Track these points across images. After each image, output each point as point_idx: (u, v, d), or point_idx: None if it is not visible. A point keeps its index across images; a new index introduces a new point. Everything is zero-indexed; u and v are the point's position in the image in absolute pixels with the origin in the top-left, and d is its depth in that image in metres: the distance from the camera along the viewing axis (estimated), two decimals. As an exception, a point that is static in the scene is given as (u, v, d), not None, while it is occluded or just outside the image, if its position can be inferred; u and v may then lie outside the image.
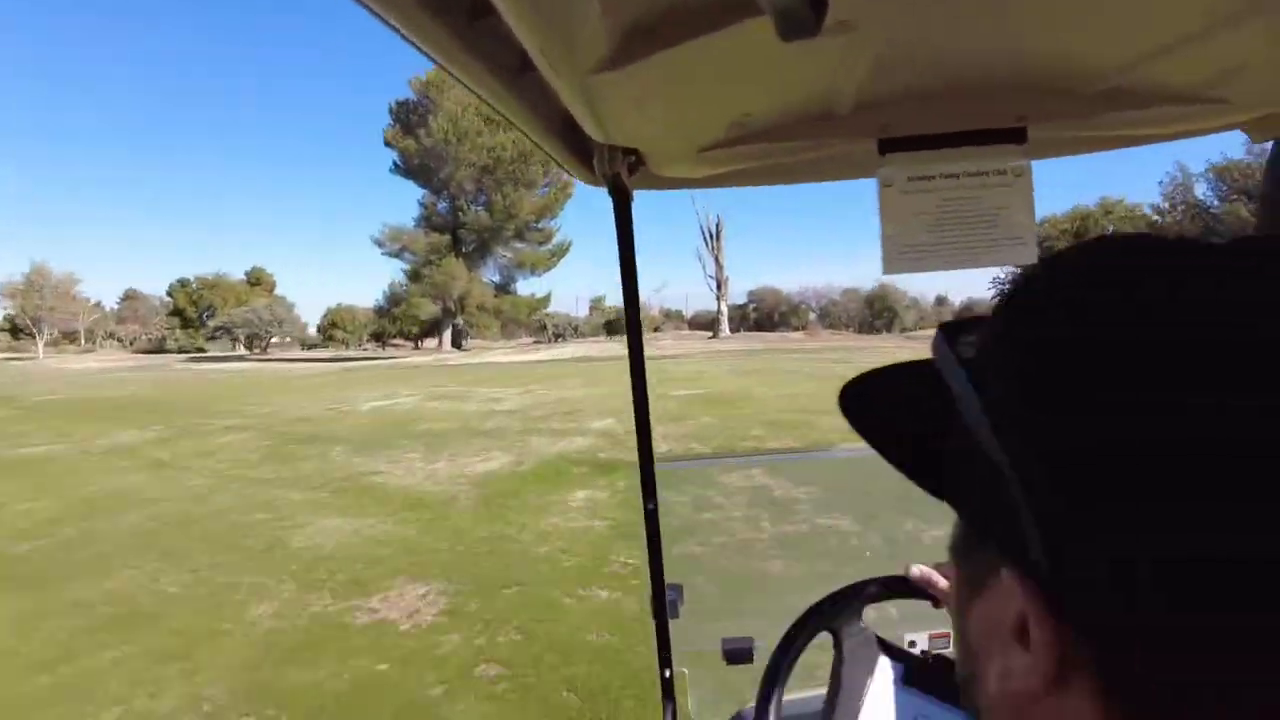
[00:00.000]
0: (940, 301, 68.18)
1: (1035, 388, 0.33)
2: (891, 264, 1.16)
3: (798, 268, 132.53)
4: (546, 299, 54.27)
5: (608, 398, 15.59)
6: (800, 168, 1.29)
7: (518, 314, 51.12)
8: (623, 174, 1.09)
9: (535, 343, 53.42)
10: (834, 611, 1.13)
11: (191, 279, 65.91)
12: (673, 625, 1.41)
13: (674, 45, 0.65)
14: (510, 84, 0.76)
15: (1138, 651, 0.29)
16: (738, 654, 1.34)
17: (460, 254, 46.29)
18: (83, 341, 73.26)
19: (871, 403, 0.50)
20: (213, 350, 56.46)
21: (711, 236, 49.80)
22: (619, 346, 36.45)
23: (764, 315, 64.19)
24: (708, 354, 32.03)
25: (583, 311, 68.53)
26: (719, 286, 49.81)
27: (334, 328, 61.48)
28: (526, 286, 53.35)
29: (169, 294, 67.17)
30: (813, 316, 63.07)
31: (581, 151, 1.07)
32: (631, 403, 1.30)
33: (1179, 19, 0.75)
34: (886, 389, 0.50)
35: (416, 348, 53.47)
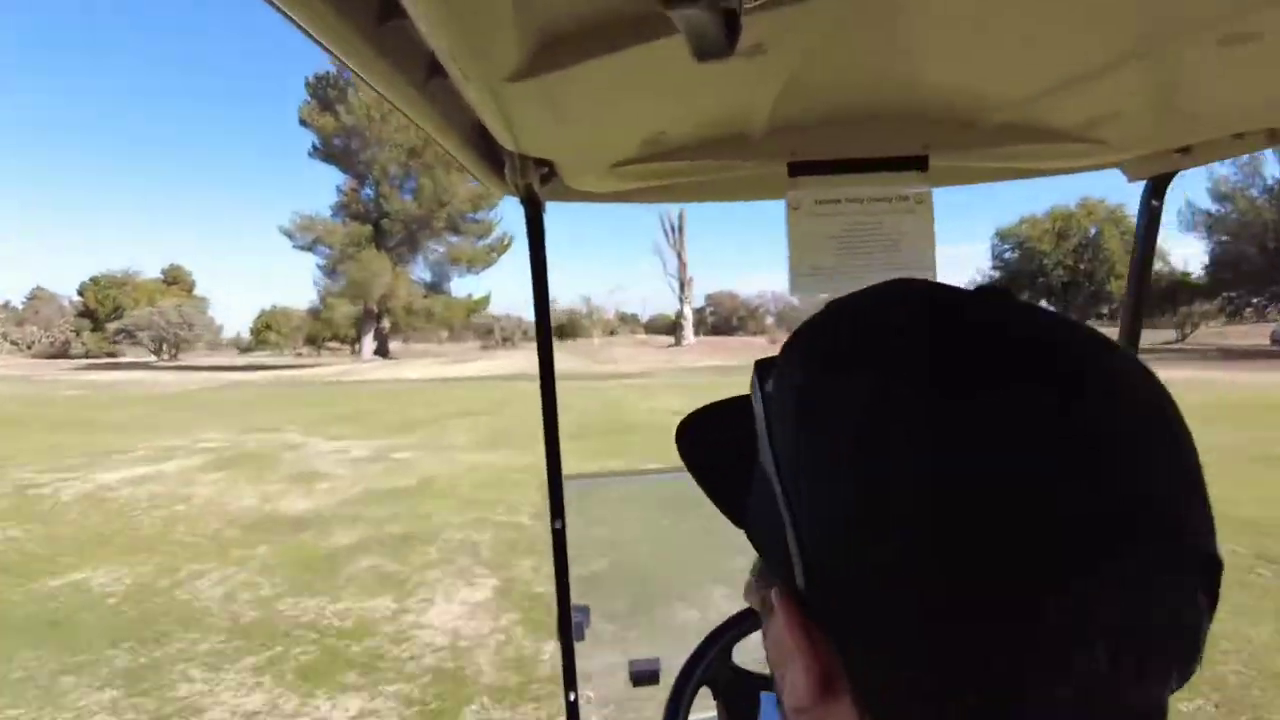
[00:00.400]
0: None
1: (802, 432, 0.37)
2: (797, 285, 1.20)
3: (752, 273, 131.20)
4: (485, 300, 48.94)
5: (520, 476, 8.64)
6: (712, 187, 1.32)
7: (451, 316, 45.51)
8: (535, 185, 1.09)
9: (482, 347, 49.23)
10: (706, 663, 1.16)
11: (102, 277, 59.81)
12: (579, 647, 1.40)
13: (590, 59, 0.65)
14: (420, 89, 0.75)
15: (888, 667, 0.32)
16: (644, 676, 1.36)
17: (384, 247, 39.97)
18: None
19: (701, 436, 0.50)
20: (129, 356, 50.50)
21: (673, 230, 45.74)
22: (570, 358, 31.42)
23: (721, 320, 63.03)
24: (674, 372, 27.06)
25: (532, 315, 64.07)
26: (681, 287, 45.37)
27: (267, 330, 56.71)
28: (464, 286, 48.29)
29: (79, 293, 60.78)
30: (770, 321, 62.02)
31: (493, 160, 1.06)
32: None
33: (1066, 63, 0.82)
34: (716, 423, 0.50)
35: (353, 352, 48.31)
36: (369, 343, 42.63)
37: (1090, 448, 0.31)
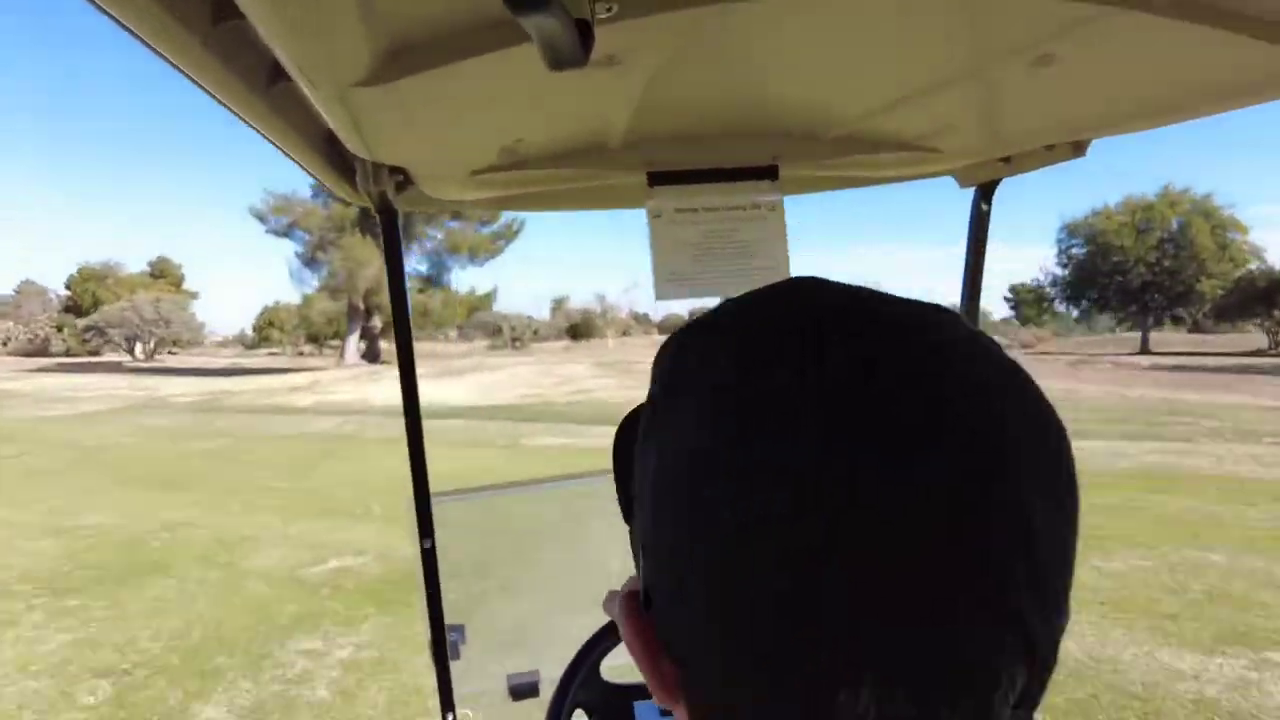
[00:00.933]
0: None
1: (647, 424, 0.38)
2: (661, 291, 1.22)
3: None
4: (489, 296, 43.10)
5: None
6: (573, 195, 1.33)
7: (450, 314, 40.02)
8: (390, 193, 1.07)
9: (490, 347, 44.72)
10: (578, 683, 1.16)
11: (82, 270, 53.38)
12: (454, 666, 1.38)
13: (443, 65, 0.64)
14: (261, 94, 0.72)
15: (711, 675, 0.33)
16: (523, 689, 1.36)
17: (371, 233, 34.25)
18: None
19: (626, 436, 0.49)
20: (109, 354, 45.01)
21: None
22: (583, 370, 26.15)
23: None
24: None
25: (543, 313, 59.04)
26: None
27: (270, 327, 52.79)
28: (465, 279, 43.32)
29: (67, 286, 54.65)
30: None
31: (344, 168, 1.03)
32: None
33: (902, 80, 0.89)
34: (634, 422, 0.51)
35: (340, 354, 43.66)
36: (354, 344, 36.49)
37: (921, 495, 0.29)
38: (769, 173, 1.17)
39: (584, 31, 0.41)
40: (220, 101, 0.69)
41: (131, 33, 0.52)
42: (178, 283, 58.20)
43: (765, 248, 1.23)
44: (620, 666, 1.16)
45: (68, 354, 48.18)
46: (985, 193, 1.36)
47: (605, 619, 1.14)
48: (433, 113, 0.80)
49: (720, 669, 0.32)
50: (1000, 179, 1.32)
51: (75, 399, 21.04)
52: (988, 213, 1.36)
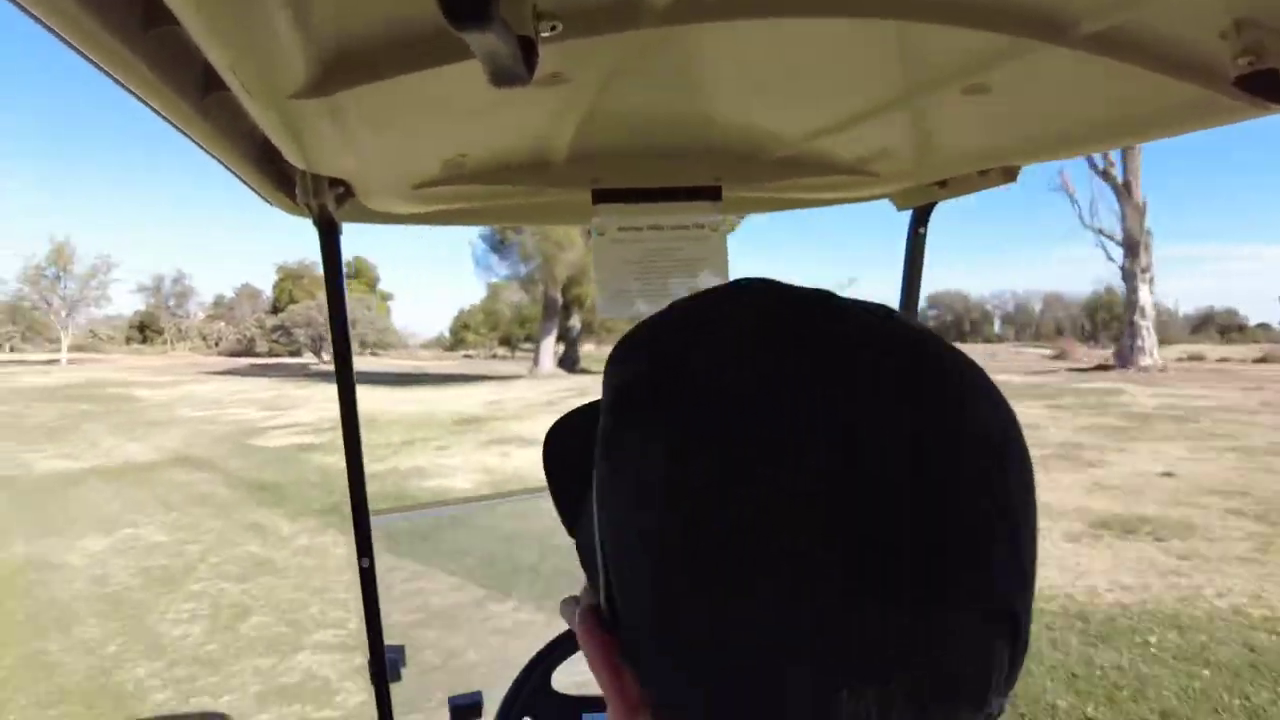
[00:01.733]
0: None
1: (605, 439, 0.35)
2: (605, 307, 1.23)
3: (986, 267, 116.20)
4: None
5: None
6: (517, 211, 1.34)
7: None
8: (329, 205, 1.03)
9: None
10: (526, 693, 1.15)
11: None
12: (395, 689, 1.34)
13: (386, 78, 0.62)
14: (195, 103, 0.69)
15: (684, 694, 0.31)
16: (465, 710, 1.33)
17: None
18: (170, 342, 64.91)
19: (560, 442, 0.47)
20: (306, 357, 42.77)
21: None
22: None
23: (948, 325, 54.80)
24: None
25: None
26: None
27: (465, 330, 51.48)
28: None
29: (274, 288, 53.74)
30: (996, 326, 55.15)
31: (281, 179, 1.00)
32: None
33: (840, 106, 0.91)
34: (576, 428, 0.46)
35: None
36: (549, 348, 29.06)
37: (888, 470, 0.29)
38: (712, 193, 1.18)
39: (527, 49, 0.41)
40: (153, 109, 0.67)
41: (61, 38, 0.50)
42: (371, 284, 56.65)
43: (708, 266, 1.23)
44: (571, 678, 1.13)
45: (270, 354, 48.06)
46: (921, 216, 1.38)
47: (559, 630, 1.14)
48: (374, 125, 0.79)
49: (706, 703, 0.30)
50: (936, 202, 1.35)
51: (177, 421, 15.73)
52: (924, 235, 1.39)
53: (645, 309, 1.23)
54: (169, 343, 64.56)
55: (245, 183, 1.00)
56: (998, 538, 0.30)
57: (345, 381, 1.17)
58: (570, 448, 0.44)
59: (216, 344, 62.68)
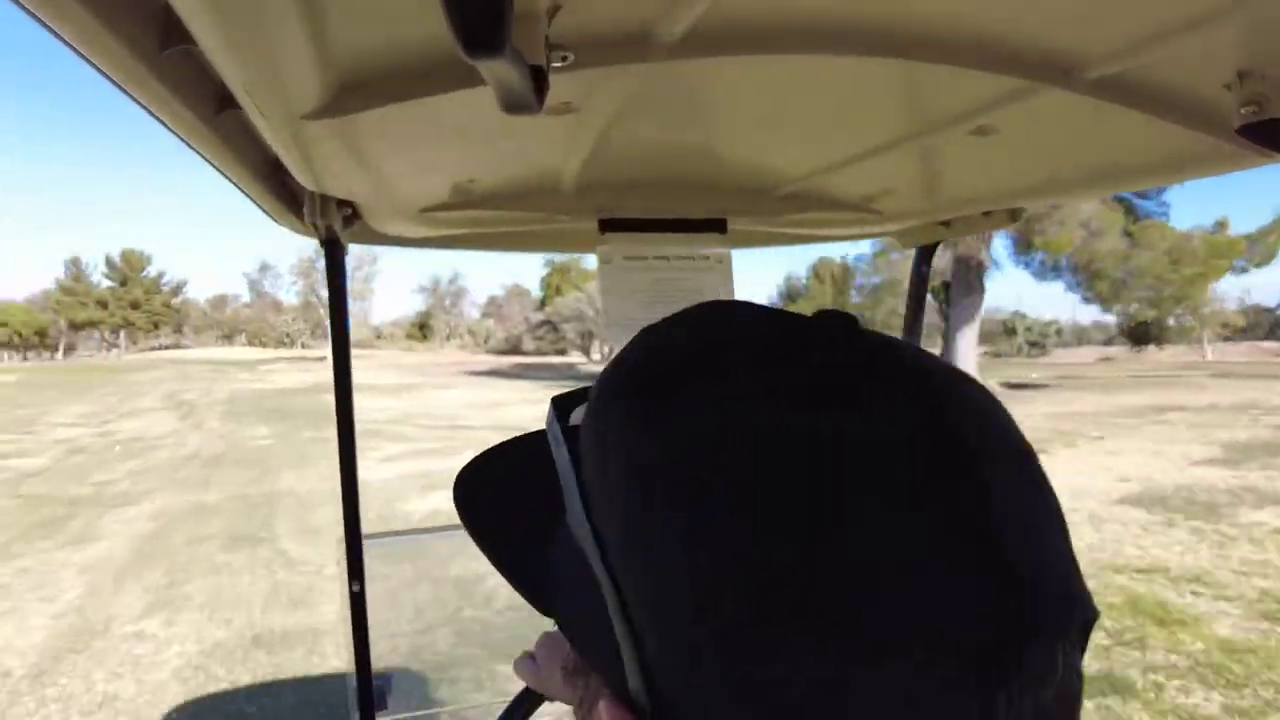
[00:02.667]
0: None
1: (630, 504, 0.30)
2: (610, 335, 1.24)
3: None
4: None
5: None
6: (524, 238, 1.34)
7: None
8: (337, 226, 1.04)
9: (991, 354, 32.41)
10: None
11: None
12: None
13: (397, 101, 0.63)
14: (209, 122, 0.70)
15: None
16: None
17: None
18: (442, 340, 70.73)
19: (487, 491, 0.41)
20: (572, 355, 40.24)
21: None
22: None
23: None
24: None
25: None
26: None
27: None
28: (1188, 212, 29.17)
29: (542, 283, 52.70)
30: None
31: (290, 199, 1.02)
32: None
33: (846, 144, 0.92)
34: (507, 473, 0.42)
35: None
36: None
37: (974, 517, 0.27)
38: (717, 226, 1.19)
39: (539, 78, 0.42)
40: (167, 126, 0.69)
41: (78, 53, 0.51)
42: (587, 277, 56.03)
43: (713, 297, 1.02)
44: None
45: (536, 352, 47.46)
46: (925, 254, 1.41)
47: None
48: (384, 149, 0.80)
49: None
50: (940, 241, 1.37)
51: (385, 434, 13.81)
52: (927, 272, 1.42)
53: None
54: (440, 341, 70.72)
55: (254, 201, 1.01)
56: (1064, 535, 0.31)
57: (343, 397, 1.17)
58: (515, 495, 0.39)
59: (486, 341, 66.47)
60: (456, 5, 0.32)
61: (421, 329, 75.94)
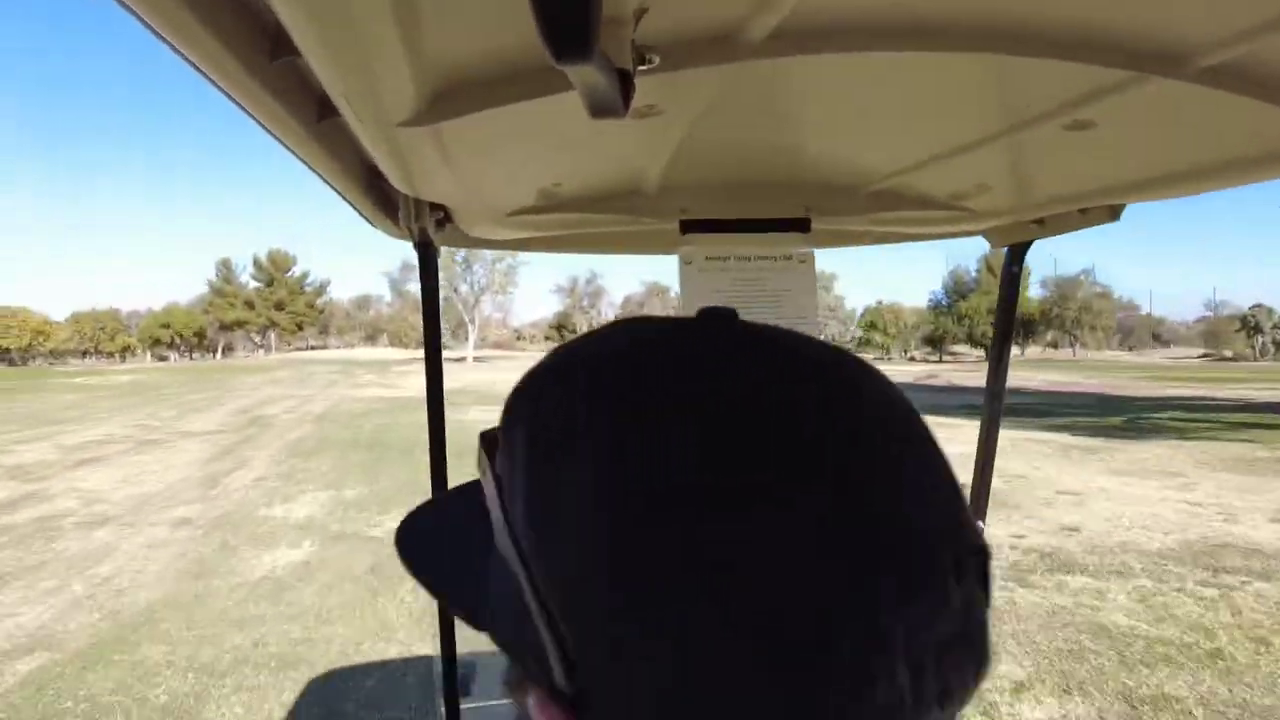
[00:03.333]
0: None
1: (535, 507, 0.32)
2: None
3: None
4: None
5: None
6: (607, 239, 1.35)
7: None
8: (430, 229, 1.08)
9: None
10: None
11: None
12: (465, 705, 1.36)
13: (488, 108, 0.65)
14: (311, 129, 0.74)
15: None
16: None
17: None
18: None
19: (426, 537, 0.43)
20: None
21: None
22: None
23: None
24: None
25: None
26: None
27: (871, 329, 49.48)
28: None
29: None
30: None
31: (386, 204, 1.05)
32: None
33: (936, 140, 0.89)
34: (443, 519, 0.45)
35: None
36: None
37: (842, 465, 0.30)
38: (801, 225, 1.18)
39: (625, 82, 0.42)
40: (271, 133, 0.72)
41: (192, 64, 0.54)
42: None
43: (794, 298, 1.23)
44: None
45: None
46: (1016, 254, 1.37)
47: None
48: (475, 154, 0.82)
49: None
50: (1032, 240, 1.33)
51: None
52: (1018, 274, 1.38)
53: None
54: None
55: (353, 206, 1.05)
56: (951, 482, 0.33)
57: (435, 397, 1.21)
58: (452, 537, 0.41)
59: None
60: (546, 12, 0.33)
61: (559, 330, 73.26)
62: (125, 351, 63.67)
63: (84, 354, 61.67)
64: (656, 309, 63.10)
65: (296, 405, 18.85)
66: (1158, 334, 62.09)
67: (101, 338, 62.37)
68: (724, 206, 1.15)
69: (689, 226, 1.15)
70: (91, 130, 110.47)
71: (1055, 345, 58.61)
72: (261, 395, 22.15)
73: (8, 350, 56.96)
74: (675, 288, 1.32)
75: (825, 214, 1.17)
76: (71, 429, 14.37)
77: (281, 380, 28.85)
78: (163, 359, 62.56)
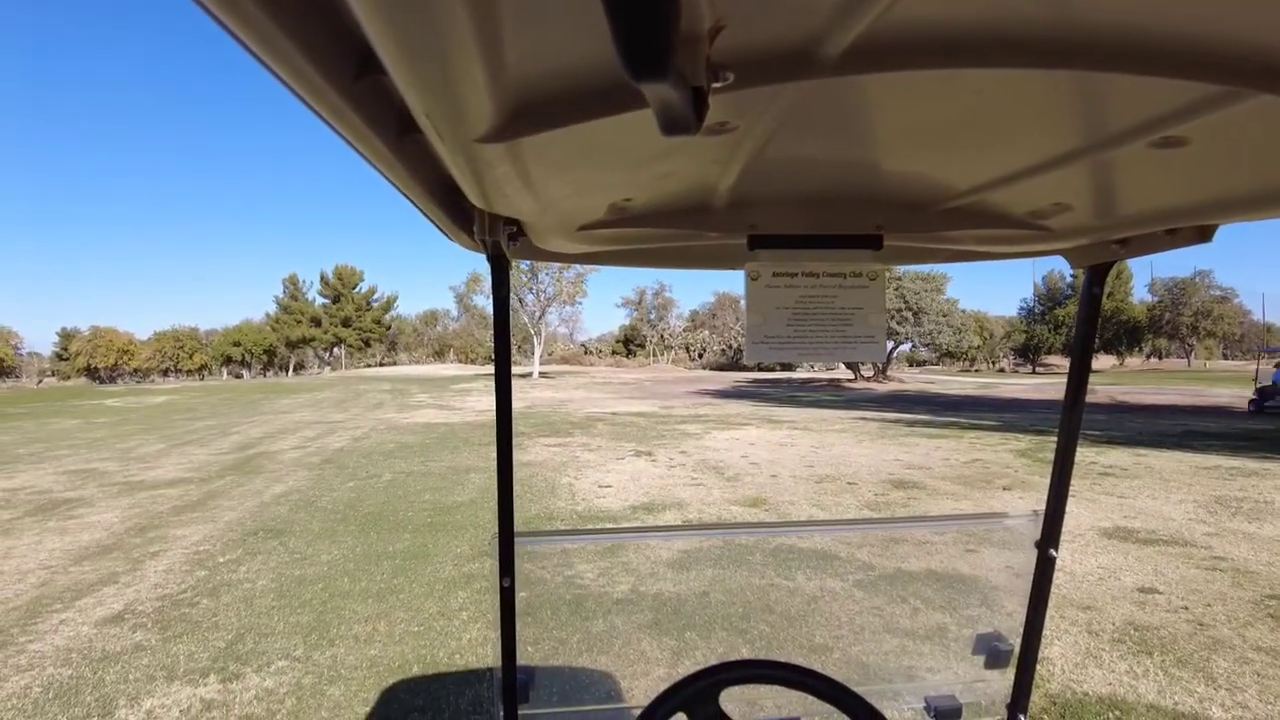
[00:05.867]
0: None
1: None
2: (752, 352, 1.23)
3: None
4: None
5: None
6: (675, 254, 1.35)
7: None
8: (503, 243, 1.10)
9: None
10: (689, 693, 1.19)
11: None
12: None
13: (562, 125, 0.66)
14: (392, 145, 0.76)
15: None
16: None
17: None
18: (654, 353, 64.38)
19: None
20: (807, 370, 40.59)
21: None
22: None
23: None
24: None
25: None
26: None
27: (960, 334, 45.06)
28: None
29: None
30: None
31: (463, 217, 1.07)
32: None
33: (1015, 157, 0.87)
34: None
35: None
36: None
37: None
38: (872, 241, 1.14)
39: (699, 100, 0.42)
40: (355, 149, 0.75)
41: (281, 80, 0.56)
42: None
43: (864, 316, 1.21)
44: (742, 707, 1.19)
45: (758, 366, 43.91)
46: (1098, 275, 1.33)
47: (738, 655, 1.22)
48: (549, 169, 0.83)
49: None
50: (1115, 261, 1.28)
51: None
52: (1099, 295, 1.35)
53: (795, 355, 1.23)
54: (651, 354, 63.30)
55: (430, 219, 1.08)
56: None
57: (504, 406, 1.25)
58: None
59: (700, 355, 59.81)
60: (623, 30, 0.33)
61: (626, 344, 69.51)
62: (202, 369, 63.44)
63: (165, 372, 61.87)
64: (730, 319, 58.43)
65: (315, 437, 15.33)
66: (1267, 343, 53.95)
67: (181, 356, 62.30)
68: (793, 222, 1.13)
69: (757, 242, 1.14)
70: (172, 162, 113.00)
71: (1161, 355, 55.24)
72: (283, 422, 19.01)
73: (97, 369, 57.59)
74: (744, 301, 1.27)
75: (897, 230, 1.14)
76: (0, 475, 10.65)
77: (321, 402, 25.82)
78: (237, 376, 62.73)
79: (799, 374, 43.63)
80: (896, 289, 35.98)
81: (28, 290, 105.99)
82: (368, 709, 3.53)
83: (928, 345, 40.00)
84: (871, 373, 37.77)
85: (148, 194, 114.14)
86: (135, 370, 60.80)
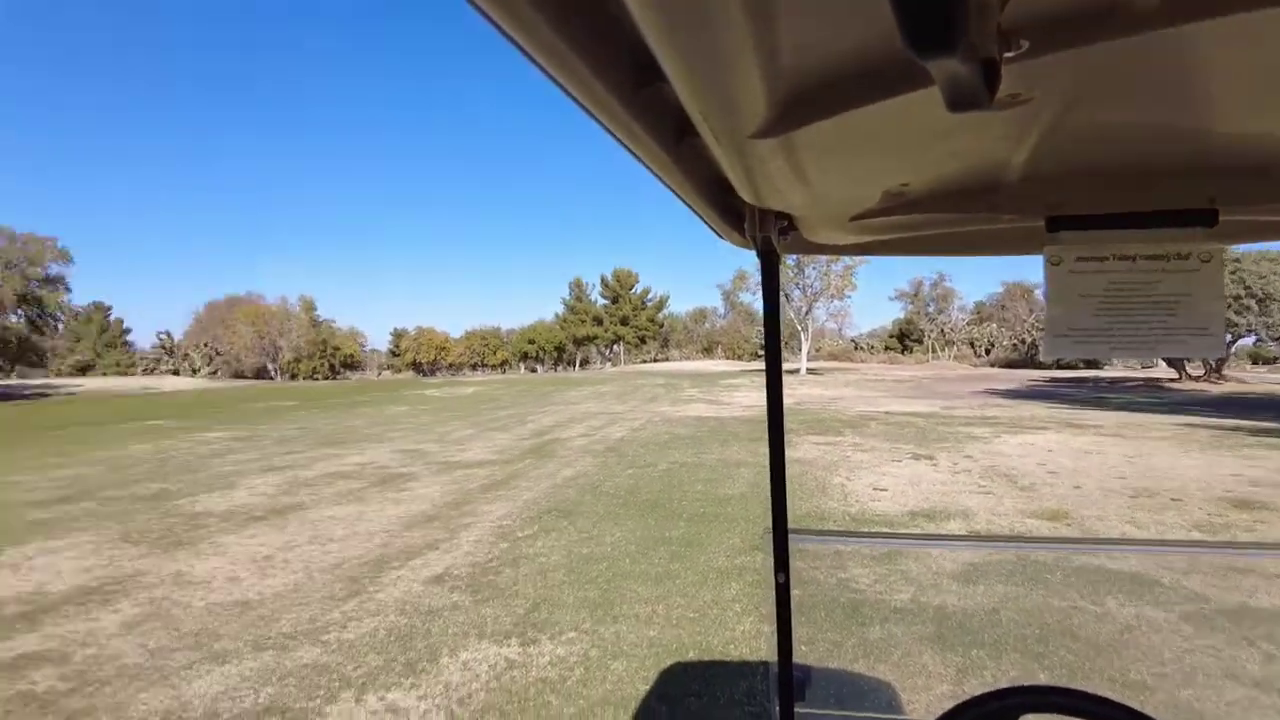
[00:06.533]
0: None
1: None
2: (1052, 346, 1.11)
3: None
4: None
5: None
6: (958, 239, 1.26)
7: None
8: (773, 237, 1.10)
9: None
10: (992, 708, 1.12)
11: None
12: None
13: (835, 114, 0.64)
14: (670, 149, 0.78)
15: None
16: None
17: None
18: (934, 349, 60.45)
19: None
20: (1121, 368, 36.70)
21: None
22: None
23: None
24: None
25: None
26: None
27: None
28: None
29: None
30: None
31: (733, 215, 1.08)
32: None
33: None
34: None
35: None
36: None
37: None
38: (1205, 218, 0.99)
39: (990, 71, 0.40)
40: (635, 155, 0.77)
41: (566, 92, 0.59)
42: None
43: (1194, 304, 1.05)
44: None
45: (1058, 364, 39.94)
46: None
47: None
48: (820, 160, 0.81)
49: None
50: None
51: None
52: None
53: (1103, 350, 1.10)
54: (930, 350, 59.16)
55: (703, 219, 1.09)
56: None
57: (775, 405, 1.26)
58: None
59: (987, 351, 54.72)
60: (909, 5, 0.31)
61: (902, 339, 65.23)
62: (504, 364, 71.58)
63: (473, 366, 70.77)
64: (1022, 311, 52.46)
65: (599, 427, 16.35)
66: None
67: (486, 352, 70.98)
68: (1101, 199, 1.01)
69: (1057, 223, 1.04)
70: (465, 171, 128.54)
71: None
72: (571, 412, 20.32)
73: (421, 363, 67.94)
74: (1041, 289, 1.13)
75: (1236, 203, 0.99)
76: (353, 451, 12.97)
77: (604, 395, 27.37)
78: (532, 370, 69.51)
79: (1107, 372, 38.21)
80: (1235, 272, 29.68)
81: (363, 295, 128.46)
82: (647, 687, 3.70)
83: (1277, 339, 32.53)
84: (1202, 371, 31.68)
85: (447, 200, 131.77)
86: (450, 365, 69.99)
